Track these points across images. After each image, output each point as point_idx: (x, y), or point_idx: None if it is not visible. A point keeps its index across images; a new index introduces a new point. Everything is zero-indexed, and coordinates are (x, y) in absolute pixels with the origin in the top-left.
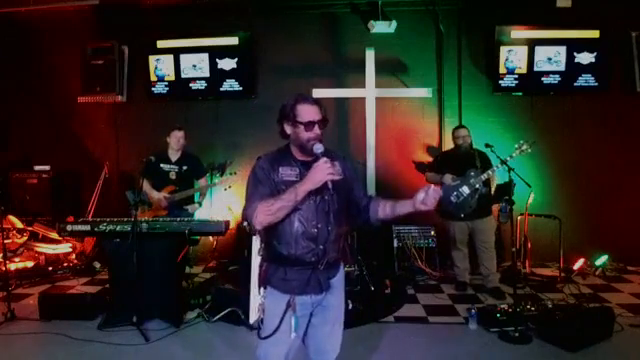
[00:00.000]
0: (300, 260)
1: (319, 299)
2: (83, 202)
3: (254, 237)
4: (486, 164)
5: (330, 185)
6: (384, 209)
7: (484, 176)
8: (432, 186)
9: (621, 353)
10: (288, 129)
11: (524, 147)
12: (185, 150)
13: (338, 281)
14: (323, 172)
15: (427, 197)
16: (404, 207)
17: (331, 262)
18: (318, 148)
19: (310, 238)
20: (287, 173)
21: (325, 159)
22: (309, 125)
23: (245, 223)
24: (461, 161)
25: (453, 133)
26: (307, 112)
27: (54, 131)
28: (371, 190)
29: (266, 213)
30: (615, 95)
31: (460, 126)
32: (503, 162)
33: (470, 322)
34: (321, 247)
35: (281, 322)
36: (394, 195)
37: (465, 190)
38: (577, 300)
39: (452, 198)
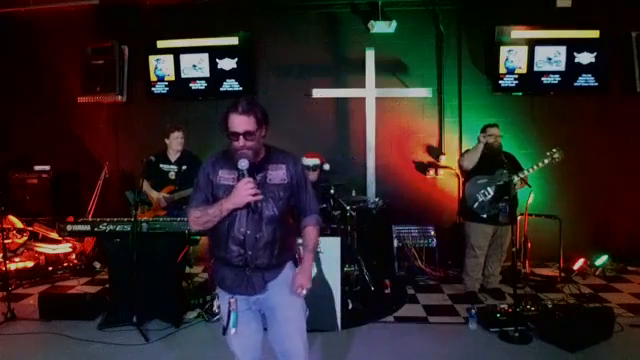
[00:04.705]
0: (229, 262)
1: (260, 299)
2: (83, 202)
3: None
4: (514, 166)
5: (253, 205)
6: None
7: (515, 177)
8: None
9: (621, 353)
10: None
11: (556, 155)
12: (185, 150)
13: (281, 282)
14: (245, 193)
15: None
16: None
17: (263, 267)
18: (243, 165)
19: (237, 243)
20: (225, 177)
21: (247, 179)
22: (233, 136)
23: None
24: (489, 161)
25: (485, 130)
26: (232, 122)
27: (54, 131)
28: (371, 190)
29: (195, 222)
30: (615, 95)
31: (492, 124)
32: (535, 167)
33: (470, 322)
34: (250, 253)
35: (228, 320)
36: (394, 195)
37: (490, 191)
38: (577, 300)
39: (478, 196)
